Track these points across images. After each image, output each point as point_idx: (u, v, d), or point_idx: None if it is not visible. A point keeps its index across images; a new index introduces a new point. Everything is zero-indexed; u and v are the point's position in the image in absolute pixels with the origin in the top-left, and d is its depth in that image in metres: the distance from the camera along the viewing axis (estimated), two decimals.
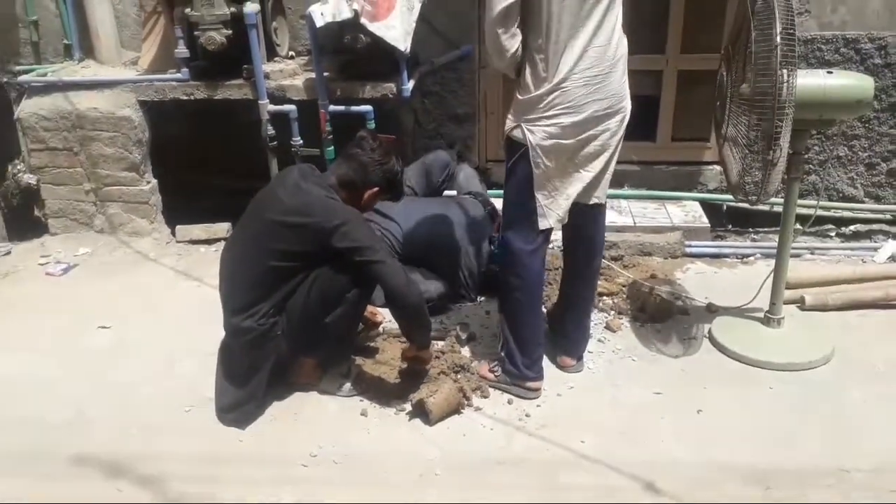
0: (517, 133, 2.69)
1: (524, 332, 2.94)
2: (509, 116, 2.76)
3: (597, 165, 2.76)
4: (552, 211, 2.75)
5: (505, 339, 2.97)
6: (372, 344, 3.26)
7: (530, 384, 2.96)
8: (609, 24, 2.59)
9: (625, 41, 2.67)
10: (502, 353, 2.99)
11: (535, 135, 2.64)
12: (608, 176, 2.86)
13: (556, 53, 2.55)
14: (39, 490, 2.54)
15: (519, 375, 2.95)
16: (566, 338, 3.14)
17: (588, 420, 2.82)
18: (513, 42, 2.56)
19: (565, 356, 3.12)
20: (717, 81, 3.10)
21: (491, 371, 3.04)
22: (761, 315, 3.30)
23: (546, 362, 3.08)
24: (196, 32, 4.00)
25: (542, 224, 2.76)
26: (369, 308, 3.21)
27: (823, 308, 3.51)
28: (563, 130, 2.63)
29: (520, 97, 2.68)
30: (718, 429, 2.77)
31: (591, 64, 2.57)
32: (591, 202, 2.86)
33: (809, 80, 2.78)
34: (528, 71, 2.63)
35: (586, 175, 2.75)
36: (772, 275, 3.23)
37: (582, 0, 2.49)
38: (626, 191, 4.58)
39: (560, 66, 2.56)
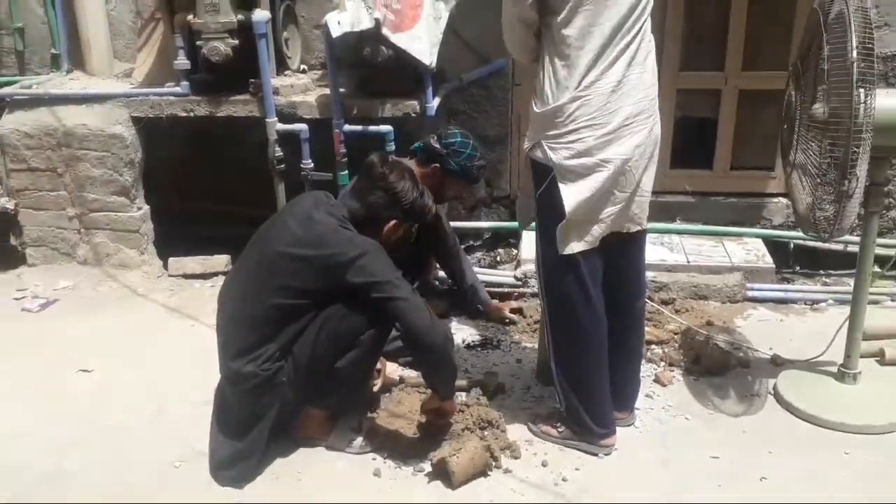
0: (538, 153, 2.72)
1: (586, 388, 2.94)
2: (528, 133, 2.79)
3: (632, 183, 2.74)
4: (580, 238, 2.74)
5: (565, 397, 2.96)
6: (387, 394, 3.26)
7: (603, 441, 2.96)
8: (644, 23, 2.62)
9: (652, 39, 2.70)
10: (563, 413, 2.99)
11: (558, 153, 2.66)
12: (647, 196, 2.84)
13: (576, 62, 2.57)
14: None
15: (588, 431, 2.95)
16: (614, 390, 3.10)
17: (634, 487, 2.80)
18: (533, 43, 2.70)
19: (616, 411, 3.08)
20: (785, 102, 3.11)
21: (554, 427, 3.05)
22: (834, 369, 3.28)
23: None
24: (198, 42, 4.07)
25: (565, 249, 2.73)
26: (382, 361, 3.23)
27: None
28: (589, 145, 2.63)
29: (536, 110, 2.71)
30: (784, 500, 2.74)
31: (620, 66, 2.58)
32: (633, 230, 2.86)
33: (891, 102, 2.79)
34: (544, 76, 2.67)
35: (621, 196, 2.73)
36: (846, 323, 3.21)
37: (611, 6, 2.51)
38: (679, 225, 4.58)
39: (581, 73, 2.58)
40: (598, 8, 2.51)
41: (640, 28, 2.60)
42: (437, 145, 3.47)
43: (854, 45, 2.62)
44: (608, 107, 2.60)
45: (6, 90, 4.58)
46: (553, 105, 2.63)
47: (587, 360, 2.90)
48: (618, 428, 3.07)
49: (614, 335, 3.00)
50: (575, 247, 2.73)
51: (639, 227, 2.88)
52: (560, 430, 3.02)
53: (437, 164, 3.46)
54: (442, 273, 4.09)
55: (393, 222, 2.89)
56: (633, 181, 2.73)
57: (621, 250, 2.88)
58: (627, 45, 2.58)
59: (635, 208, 2.81)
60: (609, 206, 2.73)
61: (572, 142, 2.64)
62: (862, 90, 2.63)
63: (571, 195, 2.66)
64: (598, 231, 2.75)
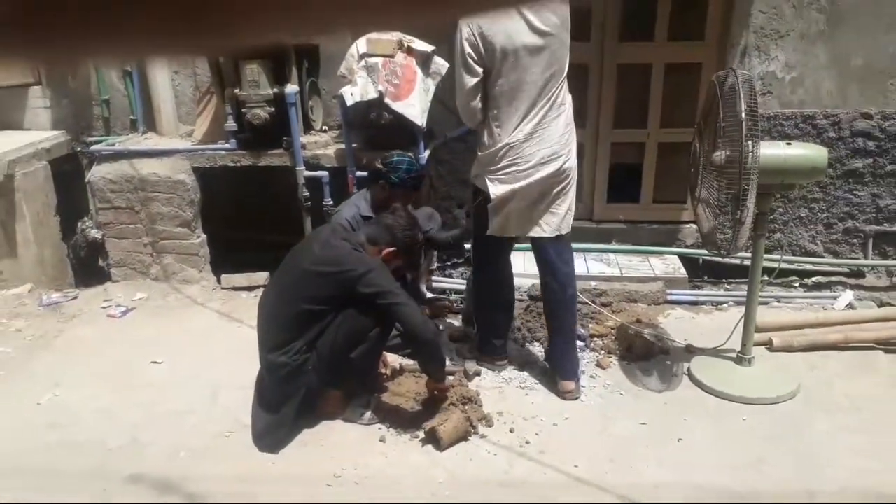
0: (479, 182, 3.02)
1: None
2: (472, 168, 3.09)
3: (543, 201, 2.99)
4: (499, 226, 3.04)
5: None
6: (390, 380, 3.26)
7: (496, 360, 3.35)
8: (552, 92, 2.86)
9: (568, 98, 2.96)
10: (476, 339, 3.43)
11: (494, 184, 2.94)
12: (558, 213, 3.03)
13: (506, 120, 2.87)
14: None
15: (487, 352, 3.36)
16: (560, 364, 3.18)
17: (581, 447, 2.80)
18: (479, 108, 2.93)
19: (563, 381, 3.14)
20: (692, 151, 3.15)
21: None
22: (734, 355, 3.30)
23: (546, 393, 3.13)
24: (243, 109, 4.09)
25: (489, 231, 3.04)
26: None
27: (789, 349, 3.50)
28: (513, 177, 2.91)
29: (479, 153, 3.02)
30: (697, 456, 2.74)
31: (535, 126, 2.86)
32: (544, 236, 3.04)
33: (771, 150, 2.83)
34: (485, 132, 2.95)
35: (530, 208, 3.00)
36: (743, 320, 3.23)
37: (533, 84, 2.81)
38: (614, 246, 4.61)
39: (510, 129, 2.87)
40: (517, 87, 2.82)
41: (553, 94, 2.86)
42: (381, 166, 3.48)
43: (743, 107, 2.65)
44: (527, 150, 2.88)
45: (96, 147, 4.59)
46: (490, 150, 2.94)
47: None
48: (565, 402, 3.08)
49: (552, 318, 3.20)
50: (493, 231, 3.06)
51: (547, 235, 3.05)
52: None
53: (384, 181, 3.44)
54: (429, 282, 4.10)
55: (393, 249, 2.90)
56: (545, 200, 2.98)
57: (544, 252, 3.09)
58: (542, 107, 2.86)
59: (543, 220, 3.03)
60: (522, 214, 3.01)
61: (503, 174, 2.93)
62: (750, 142, 2.67)
63: (499, 192, 2.96)
64: (511, 228, 3.06)
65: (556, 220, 3.03)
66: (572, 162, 2.98)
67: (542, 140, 2.87)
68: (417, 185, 3.57)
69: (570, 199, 3.04)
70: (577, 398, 3.13)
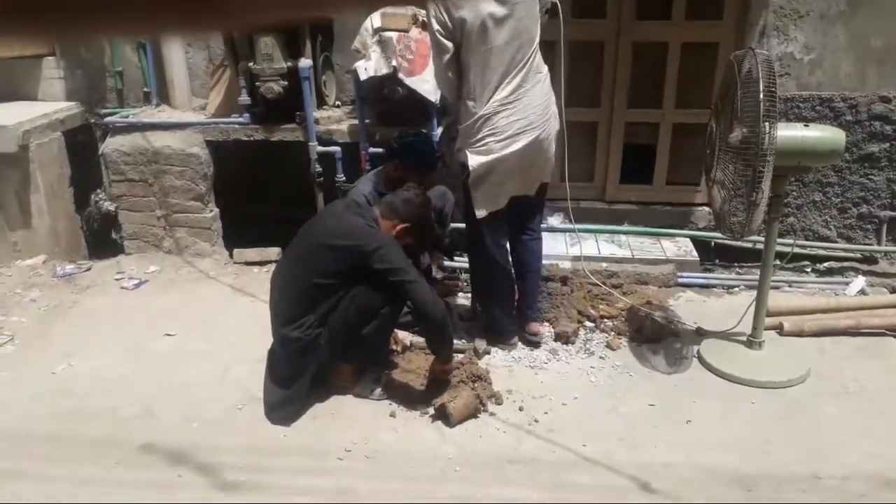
0: (461, 155, 3.10)
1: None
2: (456, 143, 3.18)
3: (524, 168, 3.08)
4: (486, 204, 3.11)
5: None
6: (401, 355, 3.28)
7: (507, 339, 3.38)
8: (523, 62, 2.94)
9: (544, 68, 3.06)
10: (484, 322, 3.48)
11: (473, 156, 3.03)
12: (541, 175, 3.18)
13: (480, 94, 2.96)
14: (112, 474, 2.58)
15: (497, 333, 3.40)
16: (530, 308, 3.41)
17: (590, 427, 2.82)
18: (455, 82, 3.03)
19: (533, 323, 3.39)
20: (707, 132, 3.13)
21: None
22: (744, 339, 3.29)
23: (556, 373, 3.11)
24: (257, 83, 4.08)
25: (478, 214, 3.12)
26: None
27: (800, 334, 3.49)
28: (490, 148, 3.00)
29: (459, 127, 3.14)
30: (705, 437, 2.76)
31: (508, 96, 2.94)
32: (530, 194, 3.19)
33: (788, 132, 2.81)
34: (462, 106, 3.05)
35: (514, 178, 3.09)
36: (754, 303, 3.23)
37: (500, 53, 2.89)
38: (626, 227, 4.59)
39: (484, 100, 2.95)
40: (486, 58, 2.90)
41: (525, 64, 2.94)
42: (395, 145, 3.53)
43: (762, 88, 2.63)
44: (503, 121, 2.97)
45: (109, 119, 4.60)
46: (468, 123, 3.03)
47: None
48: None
49: (524, 265, 3.37)
50: (482, 212, 3.12)
51: (532, 193, 3.21)
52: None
53: (399, 161, 3.45)
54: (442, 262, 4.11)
55: (407, 225, 2.90)
56: (526, 166, 3.08)
57: (519, 206, 3.22)
58: (513, 77, 2.94)
59: (528, 182, 3.16)
60: (507, 185, 3.11)
61: (481, 146, 3.01)
62: (767, 123, 2.65)
63: (476, 164, 3.03)
64: (500, 202, 3.13)
65: (537, 179, 3.19)
66: (550, 131, 3.08)
67: (519, 110, 2.97)
68: (432, 166, 3.57)
69: (550, 164, 3.18)
70: (540, 342, 3.37)
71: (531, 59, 2.98)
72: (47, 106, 4.83)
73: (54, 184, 4.65)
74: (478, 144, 3.03)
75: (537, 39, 3.00)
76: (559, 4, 3.14)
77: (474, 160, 3.04)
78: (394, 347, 3.25)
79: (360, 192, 3.42)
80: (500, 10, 2.87)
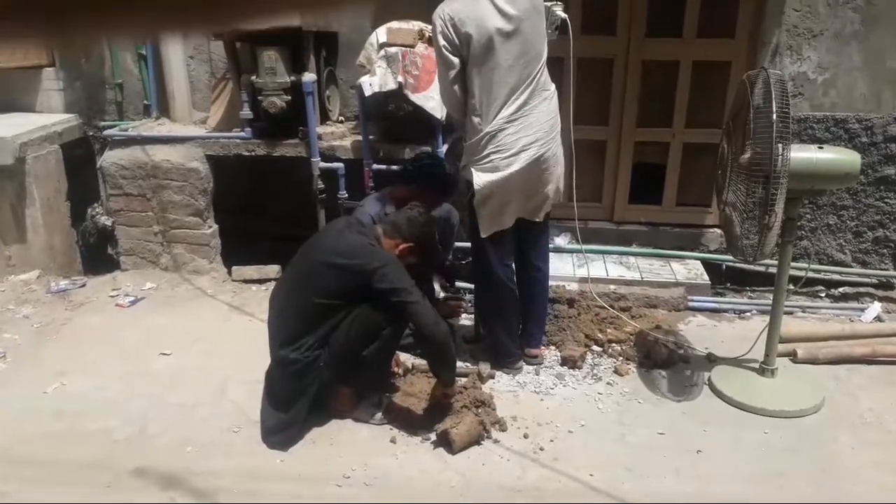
0: (466, 173, 3.10)
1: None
2: (462, 160, 3.18)
3: (530, 188, 3.09)
4: (492, 223, 3.11)
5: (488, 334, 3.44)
6: (402, 378, 3.25)
7: (511, 363, 3.35)
8: (530, 78, 2.96)
9: (552, 86, 3.08)
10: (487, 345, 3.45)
11: (478, 174, 3.03)
12: (546, 198, 3.17)
13: (486, 111, 2.96)
14: (103, 498, 2.55)
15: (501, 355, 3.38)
16: (532, 333, 3.42)
17: (597, 455, 2.78)
18: (460, 98, 3.03)
19: (532, 349, 3.40)
20: (719, 153, 3.11)
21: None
22: (756, 366, 3.26)
23: (562, 399, 3.07)
24: (259, 97, 4.09)
25: (483, 233, 3.12)
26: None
27: (814, 361, 3.46)
28: (495, 165, 3.00)
29: (464, 144, 3.14)
30: (716, 467, 2.72)
31: (514, 112, 2.95)
32: (535, 219, 3.20)
33: (802, 154, 2.79)
34: (469, 122, 3.05)
35: (518, 196, 3.08)
36: (766, 329, 3.20)
37: (507, 69, 2.90)
38: (635, 249, 4.58)
39: (490, 116, 2.96)
40: (493, 74, 2.91)
41: (532, 81, 2.96)
42: (411, 168, 3.56)
43: (775, 108, 2.62)
44: (509, 138, 2.97)
45: (108, 132, 4.60)
46: (474, 139, 3.02)
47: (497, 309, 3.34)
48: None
49: (531, 291, 3.35)
50: (488, 232, 3.13)
51: (539, 219, 3.22)
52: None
53: (415, 185, 3.44)
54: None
55: (410, 244, 2.89)
56: (532, 184, 3.07)
57: (525, 231, 3.23)
58: (521, 93, 2.95)
59: (534, 204, 3.16)
60: (512, 204, 3.10)
61: (486, 163, 3.01)
62: (780, 144, 2.63)
63: (482, 183, 3.03)
64: (506, 221, 3.12)
65: (543, 206, 3.20)
66: (555, 149, 3.10)
67: (525, 127, 2.98)
68: (450, 191, 3.56)
69: (554, 184, 3.17)
70: (540, 364, 3.39)
71: (538, 76, 2.99)
72: (45, 118, 4.85)
73: (50, 197, 4.65)
74: (483, 162, 3.03)
75: (544, 56, 3.01)
76: (568, 21, 3.15)
77: (479, 179, 3.03)
78: (395, 370, 3.22)
79: (366, 212, 3.41)
80: (506, 26, 2.88)
